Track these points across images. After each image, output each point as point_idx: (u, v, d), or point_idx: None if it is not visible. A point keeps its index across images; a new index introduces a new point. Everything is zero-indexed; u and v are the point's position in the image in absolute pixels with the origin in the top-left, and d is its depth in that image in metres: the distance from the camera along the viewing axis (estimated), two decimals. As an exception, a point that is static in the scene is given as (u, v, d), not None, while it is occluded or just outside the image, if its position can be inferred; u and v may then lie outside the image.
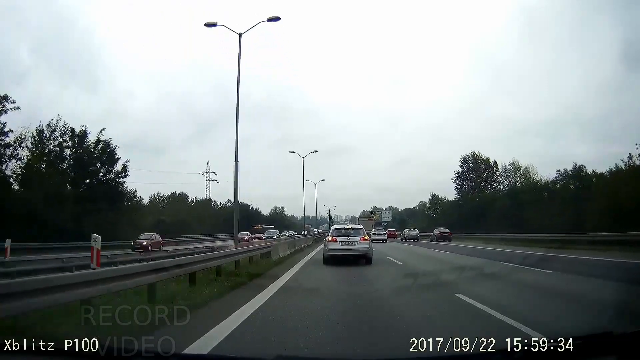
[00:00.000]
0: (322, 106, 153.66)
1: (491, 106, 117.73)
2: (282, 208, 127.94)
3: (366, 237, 15.41)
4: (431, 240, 40.76)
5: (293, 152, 47.80)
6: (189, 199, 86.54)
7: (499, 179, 66.18)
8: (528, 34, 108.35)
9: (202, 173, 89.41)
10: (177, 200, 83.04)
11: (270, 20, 18.39)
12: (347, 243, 14.90)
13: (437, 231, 42.54)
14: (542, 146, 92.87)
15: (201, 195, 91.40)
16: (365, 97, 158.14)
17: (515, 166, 63.73)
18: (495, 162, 66.27)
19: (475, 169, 67.73)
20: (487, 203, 57.34)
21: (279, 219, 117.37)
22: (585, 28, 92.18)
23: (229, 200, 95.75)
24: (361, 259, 14.69)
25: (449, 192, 79.88)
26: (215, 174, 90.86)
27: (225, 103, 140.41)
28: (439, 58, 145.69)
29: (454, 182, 68.76)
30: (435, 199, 79.69)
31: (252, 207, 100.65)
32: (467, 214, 57.64)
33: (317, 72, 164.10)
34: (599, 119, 79.04)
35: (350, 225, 17.91)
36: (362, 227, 16.91)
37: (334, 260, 14.64)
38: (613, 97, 75.72)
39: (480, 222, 50.39)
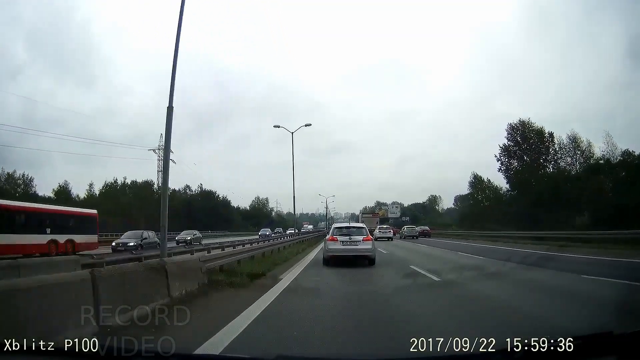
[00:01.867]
0: (323, 103, 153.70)
1: (496, 103, 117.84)
2: (267, 200, 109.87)
3: (369, 237, 14.83)
4: (411, 237, 45.05)
5: (279, 126, 39.34)
6: (156, 186, 69.02)
7: (555, 156, 49.42)
8: (534, 31, 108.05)
9: (154, 150, 69.24)
10: (122, 187, 67.82)
11: None
12: (348, 243, 14.31)
13: (419, 228, 49.87)
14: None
15: (177, 185, 75.96)
16: (369, 94, 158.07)
17: (574, 141, 47.56)
18: (551, 134, 49.44)
19: (526, 143, 50.63)
20: (561, 186, 41.12)
21: (261, 215, 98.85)
22: (592, 24, 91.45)
23: (188, 187, 79.00)
24: (364, 260, 14.25)
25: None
26: (172, 152, 76.38)
27: (225, 99, 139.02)
28: (444, 55, 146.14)
29: (498, 159, 51.58)
30: (478, 182, 60.43)
31: (220, 196, 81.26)
32: (529, 203, 42.68)
33: (319, 68, 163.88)
34: (603, 116, 78.20)
35: (352, 224, 17.39)
36: (364, 225, 16.29)
37: (334, 261, 14.13)
38: (617, 95, 74.64)
39: (552, 214, 37.69)
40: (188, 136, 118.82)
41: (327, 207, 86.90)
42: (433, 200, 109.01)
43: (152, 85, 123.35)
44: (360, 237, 14.49)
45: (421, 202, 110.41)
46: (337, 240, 14.50)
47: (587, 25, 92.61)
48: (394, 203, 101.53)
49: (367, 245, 14.38)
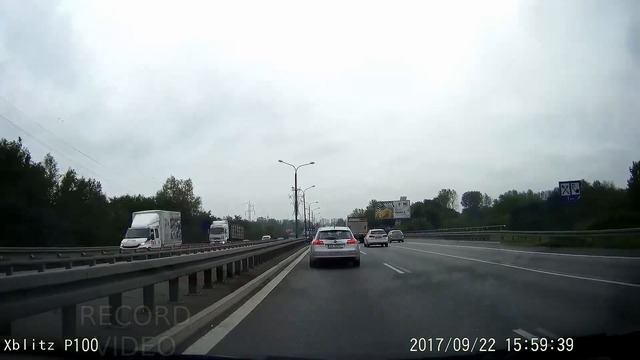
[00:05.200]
0: (314, 103, 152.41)
1: (491, 103, 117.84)
2: (188, 184, 72.94)
3: (353, 240, 15.66)
4: (397, 240, 42.72)
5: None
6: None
7: None
8: (533, 29, 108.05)
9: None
10: None
11: None
12: (333, 246, 15.02)
13: (392, 233, 47.68)
14: (542, 143, 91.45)
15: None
16: (361, 93, 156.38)
17: None
18: None
19: None
20: None
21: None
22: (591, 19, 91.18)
23: (14, 144, 38.41)
24: (349, 262, 14.82)
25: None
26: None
27: (215, 98, 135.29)
28: (439, 54, 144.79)
29: None
30: None
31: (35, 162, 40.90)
32: None
33: (311, 67, 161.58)
34: (600, 115, 77.89)
35: (337, 227, 18.57)
36: (349, 229, 17.28)
37: (320, 263, 14.75)
38: (617, 90, 74.11)
39: None
40: (173, 138, 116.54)
41: (304, 207, 59.09)
42: (445, 196, 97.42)
43: (134, 84, 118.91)
44: (345, 240, 15.30)
45: (431, 198, 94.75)
46: (322, 244, 15.28)
47: (586, 22, 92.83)
48: (401, 199, 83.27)
49: (352, 248, 15.21)
